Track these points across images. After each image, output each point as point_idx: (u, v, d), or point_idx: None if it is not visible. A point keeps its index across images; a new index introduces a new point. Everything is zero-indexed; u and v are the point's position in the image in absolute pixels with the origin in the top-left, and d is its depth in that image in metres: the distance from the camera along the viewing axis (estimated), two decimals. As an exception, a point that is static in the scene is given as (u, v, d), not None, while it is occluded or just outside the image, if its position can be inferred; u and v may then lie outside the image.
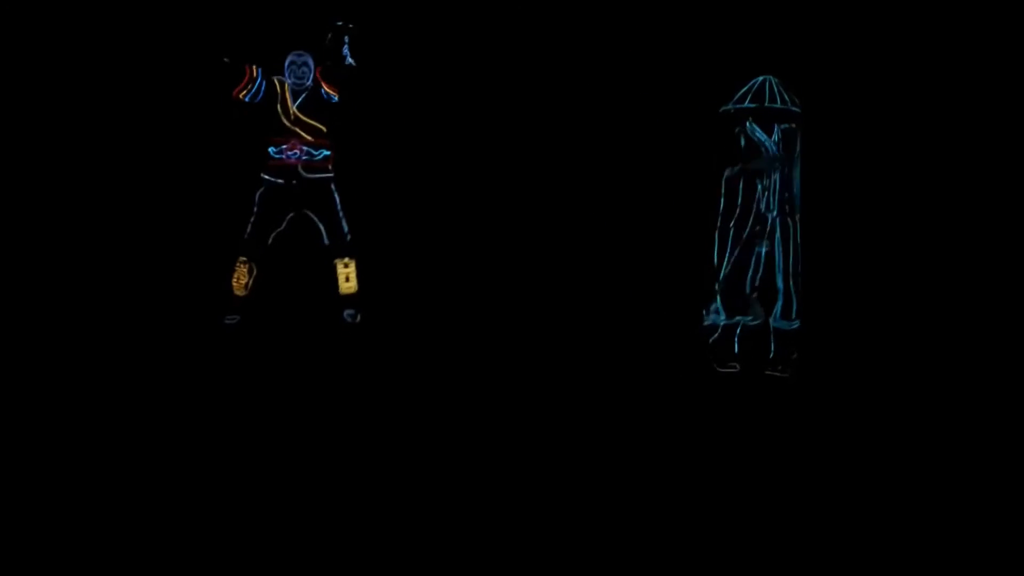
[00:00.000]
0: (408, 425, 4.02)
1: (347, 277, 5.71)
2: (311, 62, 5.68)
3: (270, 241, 5.69)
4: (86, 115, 6.10)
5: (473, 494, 3.35)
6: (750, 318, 5.19)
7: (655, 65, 6.04)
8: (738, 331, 5.22)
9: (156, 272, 5.95)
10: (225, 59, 5.56)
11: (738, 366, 5.18)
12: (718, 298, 5.21)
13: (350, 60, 5.61)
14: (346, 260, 5.71)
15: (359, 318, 5.68)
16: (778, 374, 5.11)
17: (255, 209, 5.69)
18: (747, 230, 5.13)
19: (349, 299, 5.70)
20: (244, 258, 5.67)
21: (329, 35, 5.62)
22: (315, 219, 5.74)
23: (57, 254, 6.00)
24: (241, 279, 5.66)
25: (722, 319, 5.21)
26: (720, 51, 5.79)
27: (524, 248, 6.17)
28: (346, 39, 5.61)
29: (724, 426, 4.28)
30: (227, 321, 5.60)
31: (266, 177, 5.68)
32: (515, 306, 5.93)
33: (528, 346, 5.42)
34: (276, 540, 2.97)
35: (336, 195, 5.74)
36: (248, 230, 5.67)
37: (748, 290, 5.17)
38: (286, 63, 5.67)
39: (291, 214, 5.72)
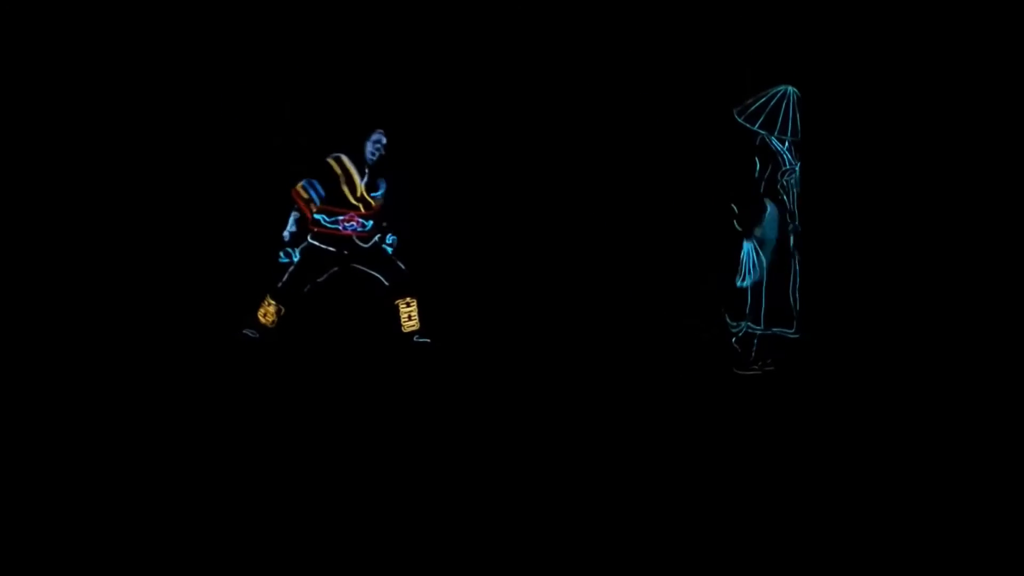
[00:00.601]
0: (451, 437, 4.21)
1: (409, 316, 5.86)
2: (384, 139, 5.76)
3: (306, 290, 5.77)
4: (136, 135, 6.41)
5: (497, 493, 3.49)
6: (792, 331, 5.19)
7: (671, 70, 6.23)
8: (756, 339, 5.21)
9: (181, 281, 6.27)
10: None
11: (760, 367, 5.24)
12: (763, 307, 5.13)
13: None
14: (408, 299, 5.85)
15: (430, 340, 5.85)
16: (766, 369, 5.24)
17: (295, 262, 5.71)
18: (791, 241, 5.12)
19: (413, 334, 5.88)
20: (273, 301, 5.74)
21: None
22: (367, 270, 5.84)
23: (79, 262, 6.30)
24: (268, 316, 5.76)
25: (759, 329, 5.17)
26: (740, 55, 5.95)
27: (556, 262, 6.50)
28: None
29: (737, 424, 4.45)
30: (246, 333, 5.69)
31: (314, 243, 5.73)
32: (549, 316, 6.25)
33: (554, 352, 5.70)
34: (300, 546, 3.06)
35: (386, 247, 5.86)
36: (284, 279, 5.71)
37: (792, 302, 5.18)
38: (371, 139, 5.72)
39: (335, 269, 5.81)
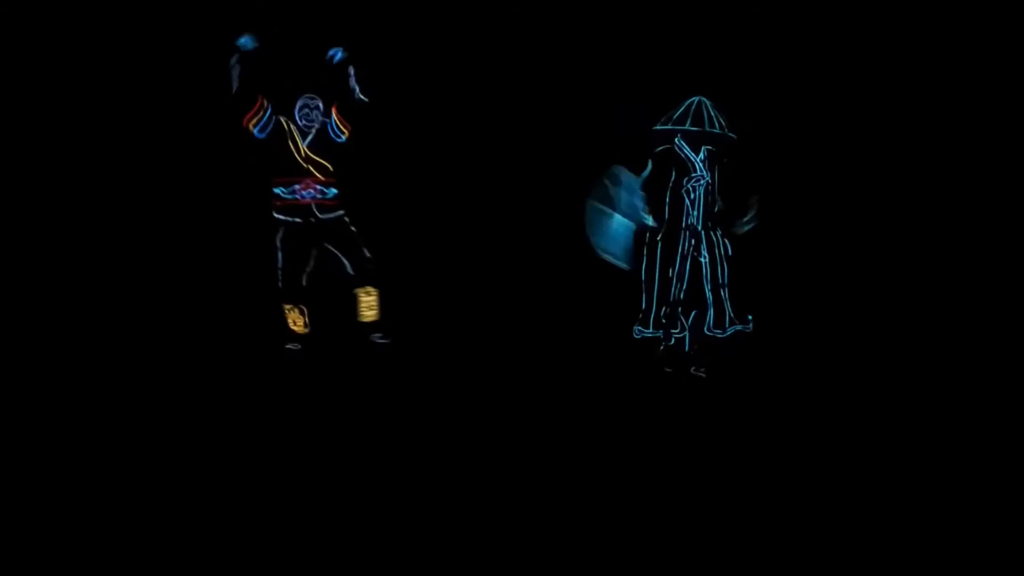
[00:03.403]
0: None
1: (369, 306, 5.83)
2: (321, 105, 5.68)
3: (304, 282, 5.80)
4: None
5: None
6: (676, 330, 5.39)
7: (589, 85, 6.26)
8: (672, 339, 5.41)
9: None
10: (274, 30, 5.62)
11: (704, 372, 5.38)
12: (652, 312, 5.39)
13: (360, 95, 5.60)
14: (368, 288, 5.81)
15: (387, 339, 5.83)
16: (700, 375, 5.35)
17: (279, 254, 5.72)
18: (681, 244, 5.31)
19: (371, 325, 5.86)
20: (289, 305, 5.77)
21: (329, 71, 5.59)
22: (337, 253, 5.79)
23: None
24: (297, 322, 5.79)
25: (649, 332, 5.43)
26: (654, 72, 6.06)
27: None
28: (351, 73, 5.57)
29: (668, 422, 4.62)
30: (289, 348, 5.75)
31: (281, 217, 5.70)
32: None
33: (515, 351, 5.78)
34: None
35: (352, 228, 5.79)
36: (280, 277, 5.74)
37: (673, 303, 5.36)
38: (297, 105, 5.67)
39: (314, 250, 5.80)
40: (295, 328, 5.81)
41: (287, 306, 5.79)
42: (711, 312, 5.39)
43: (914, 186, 6.29)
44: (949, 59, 6.13)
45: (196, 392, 4.98)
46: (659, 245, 5.36)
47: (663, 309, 5.38)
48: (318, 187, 5.71)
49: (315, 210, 5.73)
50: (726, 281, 5.37)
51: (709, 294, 5.37)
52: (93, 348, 5.71)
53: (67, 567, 3.09)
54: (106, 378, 5.18)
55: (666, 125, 5.32)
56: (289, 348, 5.79)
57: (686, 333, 5.44)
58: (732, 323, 5.40)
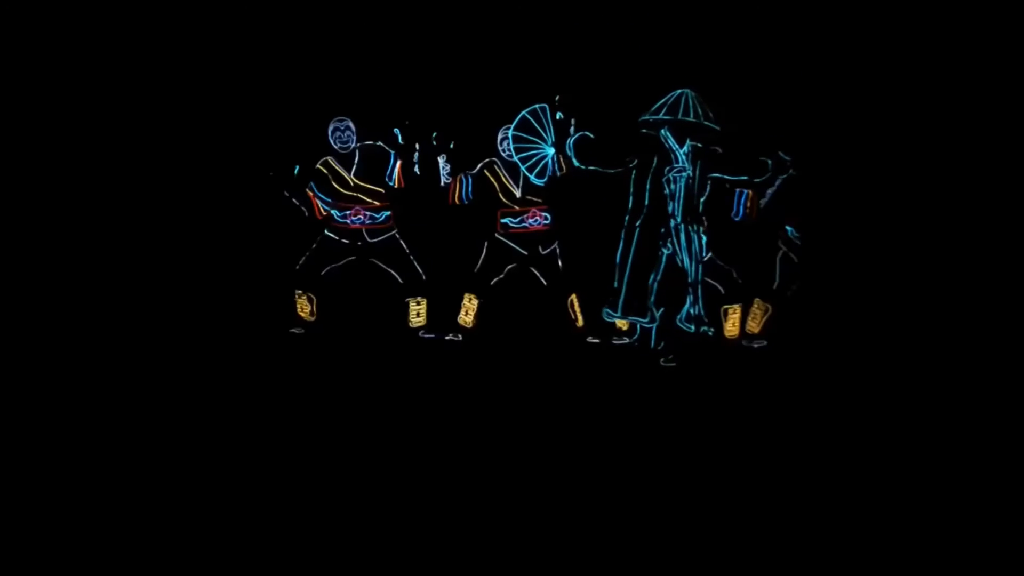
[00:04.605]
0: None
1: (418, 314, 6.05)
2: (352, 125, 5.80)
3: (323, 273, 5.98)
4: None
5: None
6: (646, 320, 5.44)
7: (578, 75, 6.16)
8: (654, 327, 5.45)
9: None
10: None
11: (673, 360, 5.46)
12: (621, 296, 5.40)
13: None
14: (419, 299, 6.02)
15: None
16: (670, 364, 5.44)
17: (313, 248, 5.90)
18: (662, 232, 5.35)
19: (418, 330, 6.07)
20: (299, 290, 5.98)
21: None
22: (383, 266, 6.00)
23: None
24: (304, 308, 6.00)
25: (616, 316, 5.47)
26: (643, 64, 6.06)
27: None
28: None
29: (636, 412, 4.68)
30: (293, 331, 5.96)
31: (330, 235, 5.93)
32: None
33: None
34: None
35: (403, 243, 5.99)
36: (302, 262, 5.95)
37: (650, 292, 5.39)
38: (329, 130, 5.77)
39: (351, 258, 5.98)
40: (302, 314, 6.02)
41: (298, 292, 6.00)
42: (687, 304, 5.44)
43: (913, 187, 6.33)
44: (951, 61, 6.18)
45: (197, 381, 5.05)
46: (637, 231, 5.40)
47: (636, 298, 5.40)
48: (368, 213, 5.92)
49: (365, 235, 5.97)
50: (699, 278, 5.43)
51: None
52: (95, 339, 5.73)
53: (67, 566, 3.08)
54: (110, 368, 5.22)
55: (652, 115, 5.38)
56: (293, 332, 6.00)
57: (654, 325, 5.48)
58: (700, 323, 5.45)
